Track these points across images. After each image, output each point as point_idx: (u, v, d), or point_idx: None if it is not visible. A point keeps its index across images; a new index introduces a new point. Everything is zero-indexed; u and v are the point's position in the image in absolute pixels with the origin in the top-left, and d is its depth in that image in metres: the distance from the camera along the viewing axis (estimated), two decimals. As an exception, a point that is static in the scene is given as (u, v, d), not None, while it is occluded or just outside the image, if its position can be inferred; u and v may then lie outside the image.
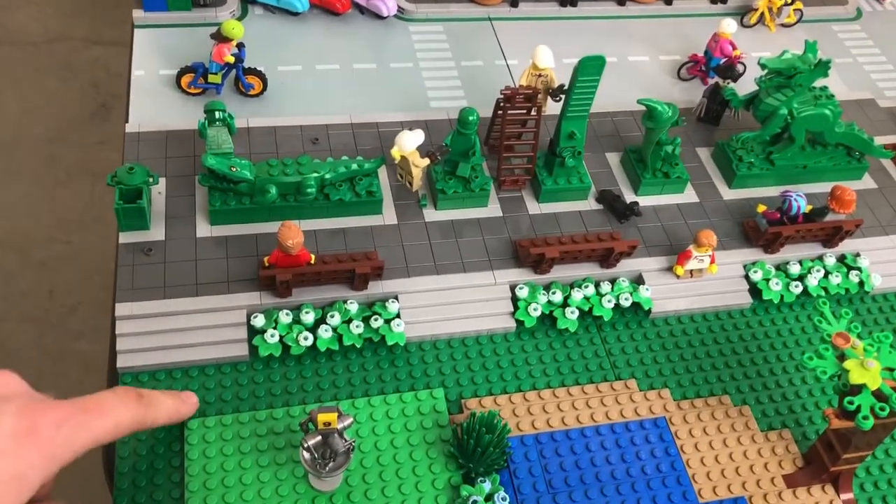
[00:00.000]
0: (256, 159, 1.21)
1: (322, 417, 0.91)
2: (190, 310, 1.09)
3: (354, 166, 1.22)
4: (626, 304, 1.20)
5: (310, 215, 1.21)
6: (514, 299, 1.19)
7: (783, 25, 1.77)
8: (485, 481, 0.99)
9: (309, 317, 1.10)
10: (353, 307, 1.12)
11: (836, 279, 1.28)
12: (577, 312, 1.18)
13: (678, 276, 1.25)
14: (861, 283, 1.29)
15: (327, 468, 0.93)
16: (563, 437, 1.07)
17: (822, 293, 1.27)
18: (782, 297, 1.26)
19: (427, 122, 1.37)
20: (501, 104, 1.27)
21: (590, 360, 1.16)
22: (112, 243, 1.16)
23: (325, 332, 1.09)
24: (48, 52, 3.12)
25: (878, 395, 0.91)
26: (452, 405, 1.09)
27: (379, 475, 1.00)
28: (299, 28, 1.58)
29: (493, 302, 1.19)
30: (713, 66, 1.54)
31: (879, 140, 1.46)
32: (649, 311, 1.21)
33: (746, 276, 1.27)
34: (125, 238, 1.15)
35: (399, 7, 1.64)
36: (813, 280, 1.27)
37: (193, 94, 1.38)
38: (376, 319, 1.12)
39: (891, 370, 0.91)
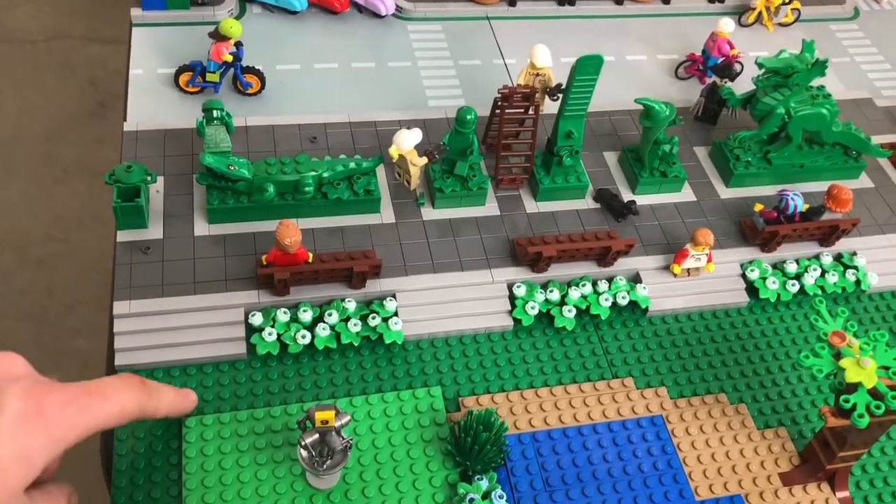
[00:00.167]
0: (254, 158, 1.22)
1: (320, 415, 0.92)
2: (188, 308, 1.09)
3: (352, 165, 1.22)
4: (624, 302, 1.20)
5: (308, 214, 1.21)
6: (512, 298, 1.19)
7: (781, 25, 1.78)
8: (482, 479, 0.99)
9: (307, 315, 1.10)
10: (350, 305, 1.13)
11: (832, 278, 1.28)
12: (574, 311, 1.18)
13: (675, 275, 1.25)
14: (858, 282, 1.29)
15: (325, 466, 0.93)
16: (560, 435, 1.07)
17: (819, 292, 1.27)
18: (779, 295, 1.26)
19: (425, 120, 1.38)
20: (499, 103, 1.27)
21: (587, 358, 1.17)
22: (110, 242, 1.16)
23: (322, 331, 1.10)
24: (46, 51, 3.12)
25: (874, 393, 0.91)
26: (450, 403, 1.09)
27: (376, 473, 1.00)
28: (297, 27, 1.58)
29: (490, 300, 1.19)
30: (711, 65, 1.54)
31: (877, 139, 1.46)
32: (646, 309, 1.22)
33: (743, 275, 1.28)
34: (123, 236, 1.16)
35: (397, 6, 1.64)
36: (810, 279, 1.27)
37: (191, 93, 1.38)
38: (374, 318, 1.12)
39: (886, 368, 0.91)
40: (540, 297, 1.19)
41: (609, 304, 1.20)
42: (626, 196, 1.34)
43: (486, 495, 0.98)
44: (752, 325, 1.24)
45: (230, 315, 1.10)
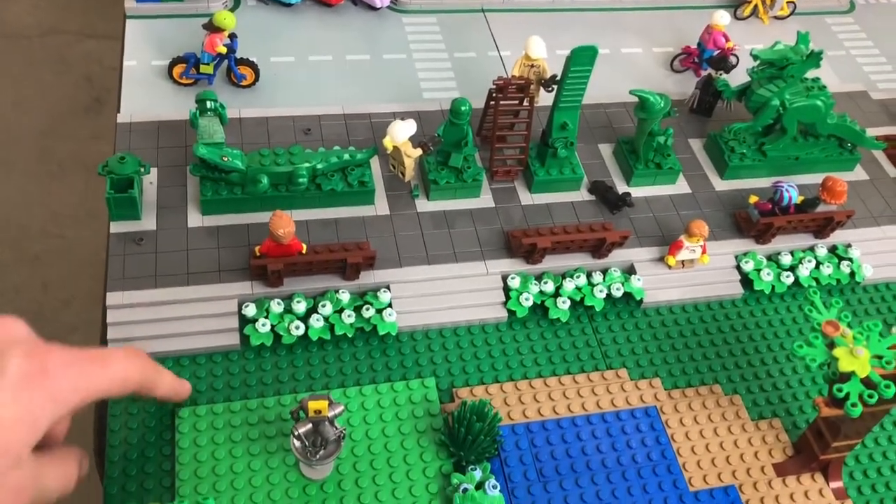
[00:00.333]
0: (248, 150, 1.21)
1: (313, 405, 0.91)
2: (181, 299, 1.09)
3: (346, 156, 1.22)
4: (618, 294, 1.20)
5: (302, 205, 1.21)
6: (506, 289, 1.19)
7: (776, 18, 1.77)
8: (476, 469, 0.99)
9: (300, 306, 1.10)
10: (344, 297, 1.12)
11: (827, 270, 1.28)
12: (568, 302, 1.18)
13: (670, 267, 1.25)
14: (852, 274, 1.29)
15: (318, 456, 0.93)
16: (554, 425, 1.07)
17: (814, 284, 1.27)
18: (773, 287, 1.26)
19: (420, 112, 1.37)
20: (494, 94, 1.27)
21: (581, 349, 1.17)
22: (105, 237, 1.16)
23: (316, 322, 1.09)
24: (42, 46, 3.11)
25: (867, 382, 0.91)
26: (444, 394, 1.09)
27: (370, 464, 1.00)
28: (292, 19, 1.57)
29: (484, 292, 1.19)
30: (706, 57, 1.54)
31: (872, 132, 1.46)
32: (641, 301, 1.22)
33: (738, 267, 1.28)
34: (116, 228, 1.15)
35: (392, -2, 1.64)
36: (804, 270, 1.27)
37: (185, 85, 1.38)
38: (368, 309, 1.12)
39: (880, 358, 0.91)
40: (534, 288, 1.19)
41: (603, 295, 1.20)
42: (621, 188, 1.34)
43: (479, 485, 0.98)
44: (747, 317, 1.24)
45: (224, 306, 1.10)
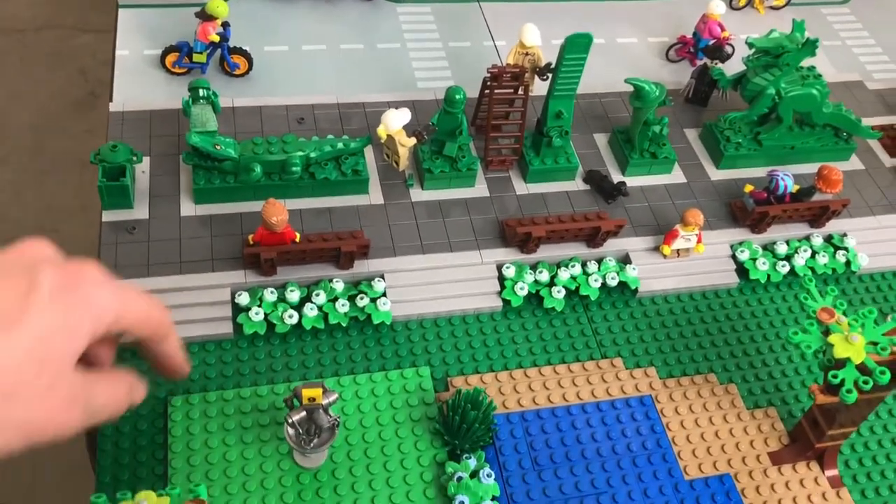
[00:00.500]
0: (241, 139, 1.20)
1: (307, 393, 0.91)
2: (174, 288, 1.08)
3: (340, 145, 1.21)
4: (613, 283, 1.20)
5: (295, 194, 1.21)
6: (501, 279, 1.18)
7: (772, 8, 1.77)
8: (470, 458, 0.99)
9: (294, 295, 1.09)
10: (338, 286, 1.12)
11: (823, 259, 1.28)
12: (563, 292, 1.18)
13: (665, 256, 1.24)
14: (848, 263, 1.29)
15: (312, 444, 0.92)
16: (548, 414, 1.07)
17: (809, 273, 1.27)
18: (769, 276, 1.26)
19: (414, 102, 1.37)
20: (489, 83, 1.26)
21: (576, 338, 1.16)
22: (99, 228, 1.15)
23: (310, 311, 1.09)
24: (36, 40, 3.10)
25: (863, 369, 0.91)
26: (438, 383, 1.08)
27: (364, 452, 0.99)
28: (286, 8, 1.56)
29: (479, 281, 1.18)
30: (702, 47, 1.54)
31: (868, 122, 1.46)
32: (636, 290, 1.21)
33: (733, 256, 1.27)
34: (108, 216, 1.14)
35: (387, -12, 1.63)
36: (800, 260, 1.27)
37: (178, 74, 1.37)
38: (362, 298, 1.11)
39: (875, 344, 0.91)
40: (529, 277, 1.18)
41: (598, 284, 1.19)
42: (616, 178, 1.33)
43: (474, 474, 0.97)
44: (742, 306, 1.24)
45: (217, 295, 1.09)
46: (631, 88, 1.27)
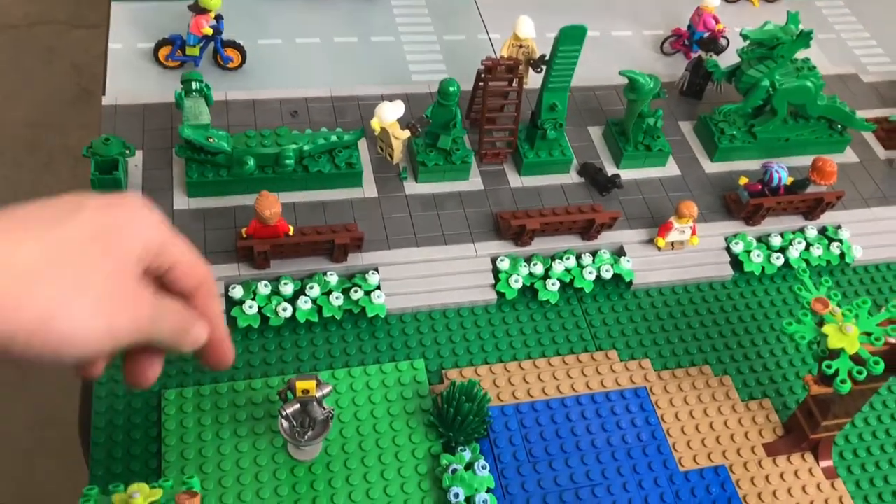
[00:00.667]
0: (235, 132, 1.20)
1: (301, 385, 0.91)
2: (167, 281, 1.08)
3: (334, 138, 1.21)
4: (608, 275, 1.20)
5: (289, 188, 1.20)
6: (496, 271, 1.18)
7: (766, 0, 1.77)
8: (465, 450, 0.99)
9: (288, 288, 1.09)
10: (332, 279, 1.11)
11: (817, 251, 1.28)
12: (558, 284, 1.18)
13: (659, 248, 1.24)
14: (842, 255, 1.29)
15: (306, 437, 0.92)
16: (543, 406, 1.07)
17: (804, 265, 1.27)
18: (763, 268, 1.26)
19: (408, 95, 1.36)
20: (483, 75, 1.26)
21: (571, 331, 1.16)
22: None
23: (304, 304, 1.08)
24: (30, 36, 3.09)
25: (857, 359, 0.91)
26: (433, 376, 1.08)
27: (359, 445, 0.99)
28: (279, 1, 1.56)
29: (474, 274, 1.18)
30: (696, 39, 1.53)
31: (862, 114, 1.45)
32: (630, 282, 1.21)
33: (728, 248, 1.27)
34: (101, 210, 1.14)
35: (381, -19, 1.62)
36: (794, 252, 1.27)
37: (171, 67, 1.36)
38: (356, 291, 1.11)
39: (869, 334, 0.91)
40: (524, 270, 1.18)
41: (593, 277, 1.19)
42: (611, 170, 1.33)
43: (468, 466, 0.97)
44: (737, 299, 1.24)
45: (210, 288, 1.09)
46: (625, 81, 1.26)
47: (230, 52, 1.37)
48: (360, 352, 1.09)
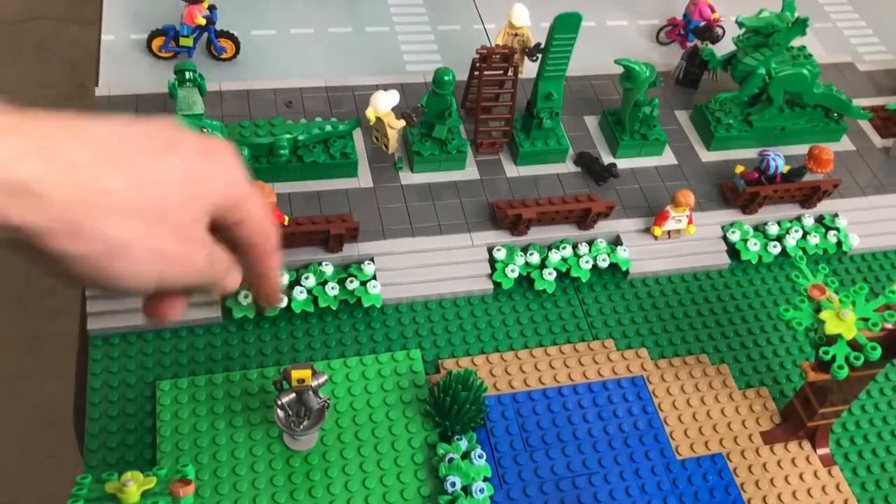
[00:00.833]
0: (229, 123, 1.19)
1: (296, 374, 0.90)
2: (161, 272, 1.07)
3: (328, 128, 1.20)
4: (604, 265, 1.19)
5: (284, 178, 1.20)
6: (492, 261, 1.18)
7: (762, -10, 1.76)
8: (461, 439, 0.98)
9: (283, 279, 1.09)
10: (328, 269, 1.11)
11: (814, 239, 1.27)
12: (554, 274, 1.17)
13: (656, 238, 1.24)
14: (839, 244, 1.29)
15: (301, 426, 0.92)
16: (540, 395, 1.06)
17: (801, 253, 1.26)
18: (760, 257, 1.25)
19: (403, 85, 1.36)
20: (478, 64, 1.25)
21: (567, 320, 1.16)
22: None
23: (300, 294, 1.08)
24: (24, 32, 3.08)
25: (854, 345, 0.90)
26: (429, 366, 1.08)
27: (355, 435, 0.99)
28: (274, -8, 1.55)
29: (470, 264, 1.18)
30: (692, 28, 1.53)
31: (858, 102, 1.45)
32: (627, 272, 1.21)
33: (724, 237, 1.27)
34: (95, 201, 1.13)
35: (375, -28, 1.61)
36: (791, 240, 1.26)
37: (165, 58, 1.36)
38: (352, 281, 1.10)
39: (866, 320, 0.91)
40: (520, 260, 1.18)
41: (589, 266, 1.19)
42: (607, 159, 1.33)
43: (465, 455, 0.97)
44: (734, 287, 1.24)
45: (205, 279, 1.08)
46: (621, 70, 1.26)
47: (224, 43, 1.36)
48: (356, 342, 1.09)
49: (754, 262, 1.25)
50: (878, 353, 0.89)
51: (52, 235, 0.53)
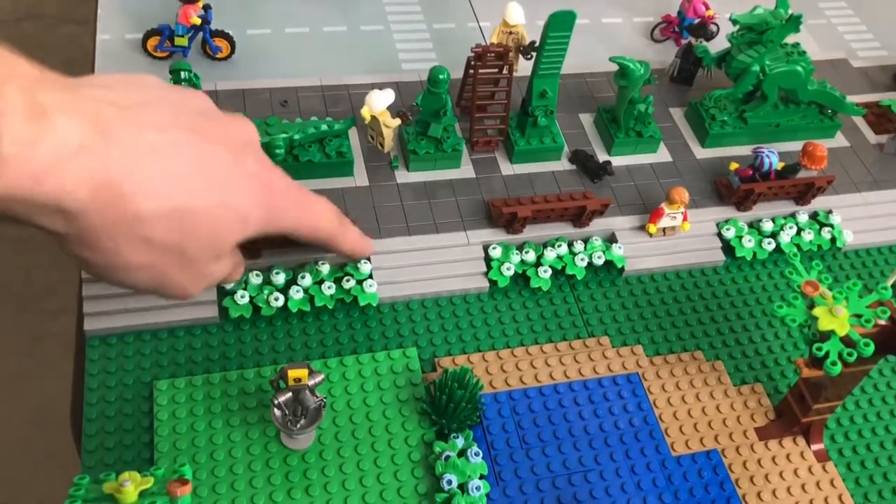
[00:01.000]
0: (224, 122, 1.20)
1: (292, 373, 0.91)
2: (158, 272, 1.08)
3: (324, 127, 1.20)
4: (599, 262, 1.20)
5: (280, 177, 1.20)
6: (487, 259, 1.18)
7: (757, -13, 1.76)
8: (458, 437, 0.99)
9: (279, 278, 1.09)
10: (324, 268, 1.11)
11: (808, 236, 1.28)
12: (550, 271, 1.18)
13: (651, 235, 1.24)
14: (833, 240, 1.29)
15: (298, 425, 0.92)
16: (536, 393, 1.07)
17: (795, 249, 1.27)
18: (755, 254, 1.26)
19: (399, 83, 1.36)
20: (472, 63, 1.25)
21: (563, 318, 1.16)
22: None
23: (296, 293, 1.08)
24: (19, 31, 3.08)
25: (847, 341, 0.91)
26: (426, 364, 1.08)
27: (352, 433, 0.99)
28: (269, -9, 1.55)
29: (466, 262, 1.18)
30: (686, 25, 1.53)
31: (853, 99, 1.45)
32: (622, 269, 1.21)
33: (719, 234, 1.27)
34: (91, 202, 1.13)
35: (370, -30, 1.62)
36: (785, 237, 1.27)
37: (160, 58, 1.36)
38: (348, 280, 1.11)
39: (859, 316, 0.91)
40: (515, 258, 1.18)
41: (585, 264, 1.19)
42: (602, 157, 1.33)
43: (461, 453, 0.98)
44: (729, 284, 1.24)
45: (201, 279, 1.08)
46: (616, 67, 1.26)
47: (219, 42, 1.36)
48: (353, 341, 1.09)
49: (749, 258, 1.26)
50: (871, 349, 0.89)
51: (71, 242, 0.56)
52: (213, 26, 1.36)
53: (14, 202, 0.52)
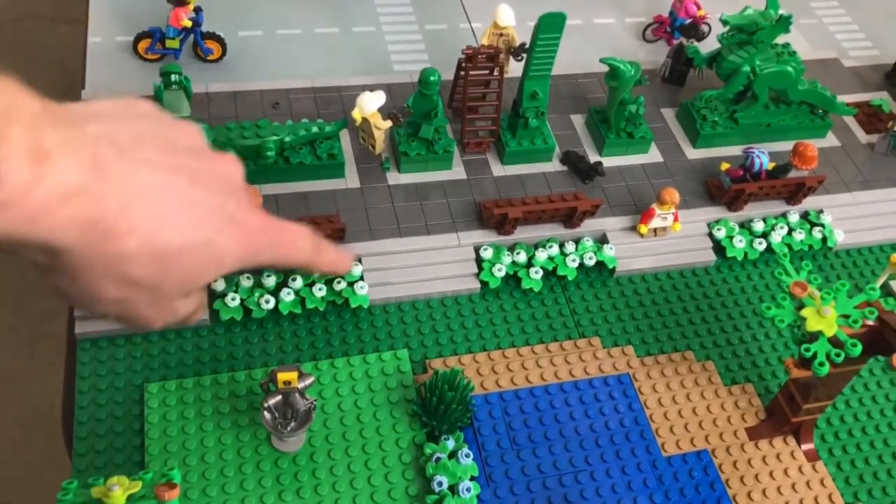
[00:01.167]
0: (216, 125, 1.19)
1: (282, 376, 0.91)
2: (149, 275, 1.08)
3: (315, 129, 1.20)
4: (591, 263, 1.20)
5: (270, 179, 1.20)
6: (479, 260, 1.18)
7: (749, -13, 1.77)
8: (448, 439, 0.99)
9: (270, 280, 1.09)
10: (315, 270, 1.11)
11: (799, 236, 1.28)
12: (541, 272, 1.18)
13: (642, 235, 1.25)
14: (824, 240, 1.30)
15: (289, 428, 0.92)
16: (527, 394, 1.07)
17: (786, 249, 1.27)
18: (746, 254, 1.26)
19: (390, 85, 1.36)
20: (463, 64, 1.25)
21: (554, 319, 1.17)
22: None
23: (287, 296, 1.08)
24: (13, 32, 3.07)
25: (835, 342, 0.91)
26: (417, 366, 1.08)
27: (342, 435, 1.00)
28: (260, -8, 1.55)
29: (457, 263, 1.18)
30: (677, 25, 1.53)
31: (844, 99, 1.46)
32: (613, 269, 1.22)
33: (710, 234, 1.28)
34: (82, 205, 1.13)
35: (362, -29, 1.62)
36: (777, 237, 1.27)
37: (151, 60, 1.36)
38: (339, 282, 1.11)
39: (847, 317, 0.92)
40: (507, 259, 1.18)
41: (576, 265, 1.19)
42: (593, 158, 1.33)
43: (452, 454, 0.98)
44: (720, 284, 1.25)
45: (192, 281, 1.08)
46: (607, 68, 1.27)
47: (210, 44, 1.36)
48: (344, 343, 1.09)
49: (740, 258, 1.26)
50: (858, 349, 0.90)
51: (48, 271, 0.57)
52: (204, 28, 1.36)
53: (5, 242, 0.54)
